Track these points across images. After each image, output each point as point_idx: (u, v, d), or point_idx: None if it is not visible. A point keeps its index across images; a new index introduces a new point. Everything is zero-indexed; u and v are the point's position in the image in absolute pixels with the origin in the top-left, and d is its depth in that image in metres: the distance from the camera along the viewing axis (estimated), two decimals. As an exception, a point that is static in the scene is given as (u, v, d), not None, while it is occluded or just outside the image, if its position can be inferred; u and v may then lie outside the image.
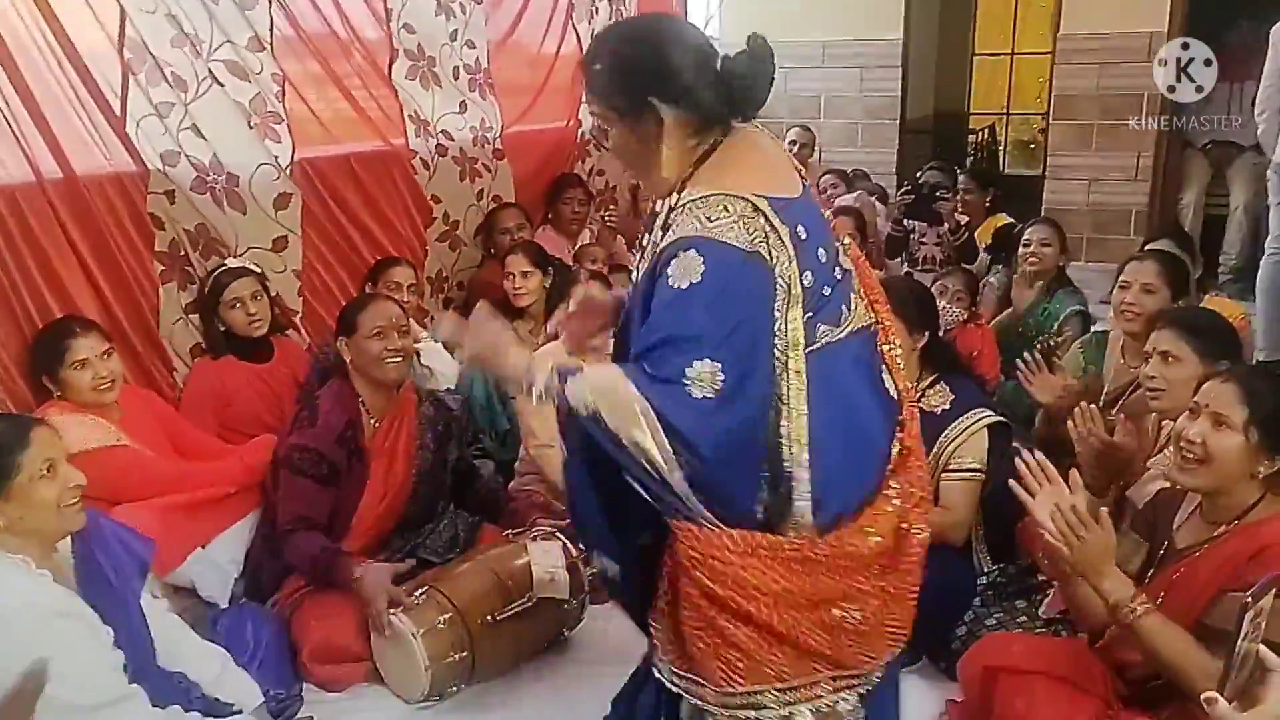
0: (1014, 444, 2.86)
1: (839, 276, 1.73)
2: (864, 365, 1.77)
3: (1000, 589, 2.62)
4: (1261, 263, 4.49)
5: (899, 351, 1.88)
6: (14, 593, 1.88)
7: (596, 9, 5.16)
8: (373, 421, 2.78)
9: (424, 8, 4.08)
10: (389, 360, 2.73)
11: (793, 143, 6.47)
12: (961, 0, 7.66)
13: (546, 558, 2.65)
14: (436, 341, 3.80)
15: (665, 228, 1.65)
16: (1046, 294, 4.05)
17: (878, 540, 1.68)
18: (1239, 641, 1.22)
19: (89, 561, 2.06)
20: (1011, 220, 5.16)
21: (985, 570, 2.71)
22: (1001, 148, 8.38)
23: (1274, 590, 1.27)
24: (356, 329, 2.74)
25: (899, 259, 4.94)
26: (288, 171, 3.44)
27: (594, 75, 1.69)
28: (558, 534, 2.74)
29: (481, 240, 4.41)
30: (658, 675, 1.78)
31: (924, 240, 4.80)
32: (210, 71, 3.24)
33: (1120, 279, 3.03)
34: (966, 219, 4.91)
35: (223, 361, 3.17)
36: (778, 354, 1.62)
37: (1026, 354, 3.08)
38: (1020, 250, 4.04)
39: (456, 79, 4.26)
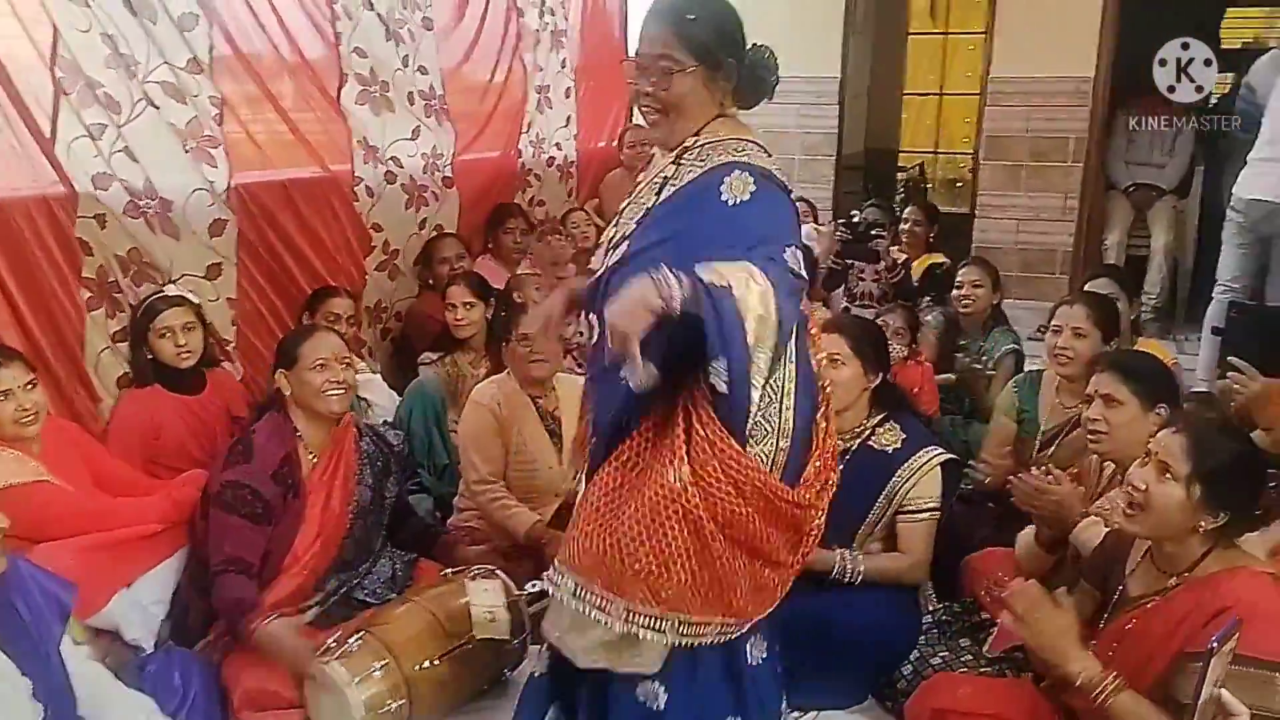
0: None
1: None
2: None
3: (945, 627, 2.63)
4: (1213, 299, 4.59)
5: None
6: (-75, 642, 1.78)
7: (539, 39, 5.16)
8: (310, 457, 2.69)
9: (374, 33, 4.04)
10: (331, 393, 2.66)
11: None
12: (892, 39, 7.84)
13: (486, 596, 2.59)
14: (375, 373, 3.75)
15: (677, 164, 1.89)
16: (982, 332, 4.12)
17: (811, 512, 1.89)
18: (1202, 687, 1.23)
19: (5, 608, 1.97)
20: (942, 259, 5.26)
21: (930, 608, 2.72)
22: (930, 185, 8.58)
23: (1235, 635, 1.28)
24: (297, 360, 2.66)
25: (838, 293, 4.98)
26: (223, 197, 3.36)
27: (685, 21, 1.84)
28: (497, 571, 2.68)
29: (419, 270, 4.35)
30: (553, 586, 1.83)
31: (862, 276, 4.85)
32: (145, 93, 3.15)
33: (1052, 323, 3.09)
34: (904, 256, 4.97)
35: (151, 392, 3.06)
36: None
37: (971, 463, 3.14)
38: (954, 292, 4.10)
39: (411, 104, 4.22)
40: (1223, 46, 6.23)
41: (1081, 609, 2.05)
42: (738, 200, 1.78)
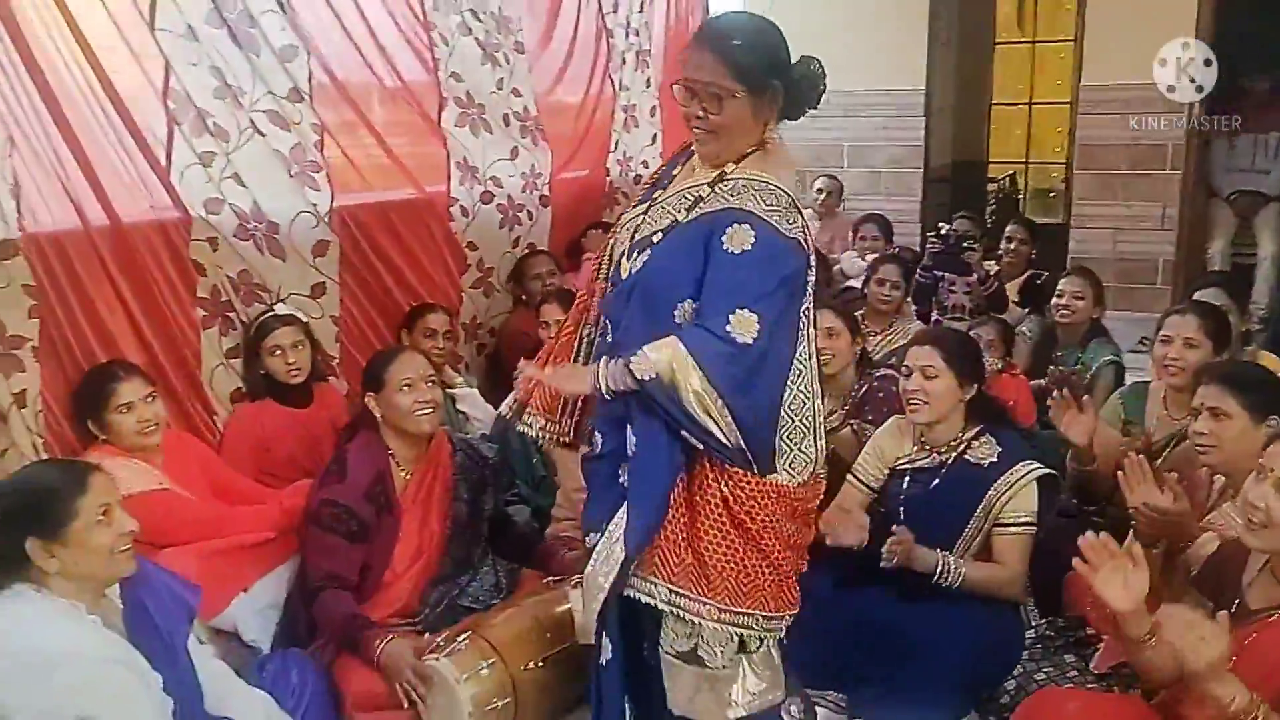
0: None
1: None
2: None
3: (1049, 642, 2.59)
4: None
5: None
6: (65, 638, 1.88)
7: (625, 59, 5.23)
8: (404, 474, 2.74)
9: (471, 56, 4.14)
10: (420, 413, 2.70)
11: (820, 190, 6.51)
12: (979, 50, 7.74)
13: (588, 604, 2.62)
14: (472, 388, 3.83)
15: (712, 188, 1.96)
16: (1080, 344, 4.04)
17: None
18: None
19: (138, 608, 2.06)
20: (1038, 270, 5.17)
21: (1034, 623, 2.68)
22: (1022, 196, 8.43)
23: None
24: (384, 384, 2.71)
25: (928, 307, 4.94)
26: (326, 219, 3.48)
27: (733, 49, 1.91)
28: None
29: (512, 287, 4.44)
30: (640, 595, 1.99)
31: (953, 289, 4.79)
32: (252, 121, 3.29)
33: (1161, 333, 3.02)
34: (997, 269, 4.90)
35: (263, 406, 3.19)
36: (803, 329, 1.98)
37: (1056, 392, 3.05)
38: (1054, 301, 4.03)
39: (507, 125, 4.32)
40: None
41: None
42: (731, 251, 1.87)
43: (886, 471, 2.86)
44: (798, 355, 1.97)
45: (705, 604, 1.96)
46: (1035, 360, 4.09)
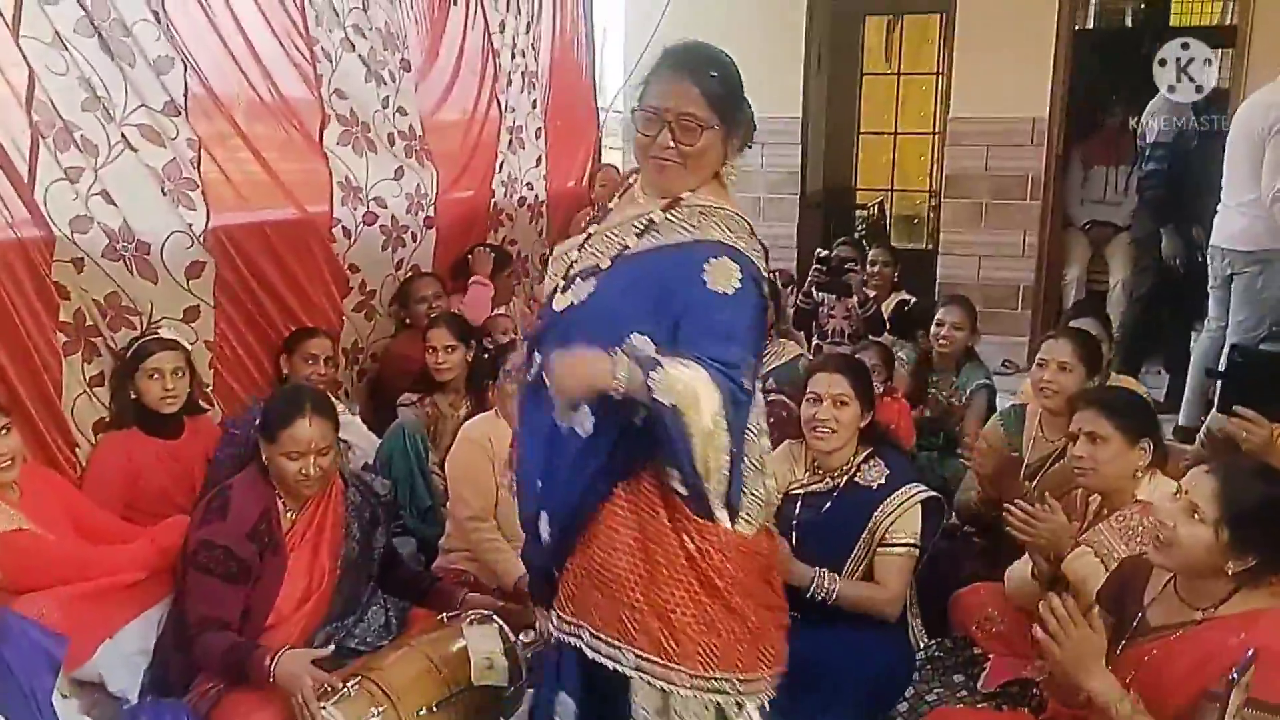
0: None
1: None
2: None
3: (938, 663, 2.65)
4: (1199, 337, 4.82)
5: None
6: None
7: (511, 80, 5.20)
8: (289, 514, 2.60)
9: (354, 73, 4.04)
10: (300, 483, 2.54)
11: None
12: (847, 80, 7.99)
13: (484, 642, 2.55)
14: (354, 415, 3.71)
15: (665, 213, 1.84)
16: (955, 369, 4.20)
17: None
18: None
19: (-3, 663, 1.91)
20: (908, 296, 5.34)
21: (922, 645, 2.74)
22: (888, 222, 8.73)
23: (1252, 668, 1.31)
24: (275, 440, 2.55)
25: (808, 332, 5.04)
26: (201, 239, 3.32)
27: (711, 82, 1.83)
28: (493, 616, 2.65)
29: (396, 310, 4.33)
30: (611, 662, 1.84)
31: (833, 314, 4.91)
32: (123, 135, 3.12)
33: (1038, 357, 3.15)
34: (874, 293, 5.04)
35: (130, 436, 3.02)
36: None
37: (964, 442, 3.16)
38: (933, 329, 4.17)
39: (392, 145, 4.22)
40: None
41: None
42: (720, 290, 1.74)
43: (780, 496, 2.89)
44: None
45: (675, 669, 1.81)
46: (913, 384, 4.21)
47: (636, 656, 1.82)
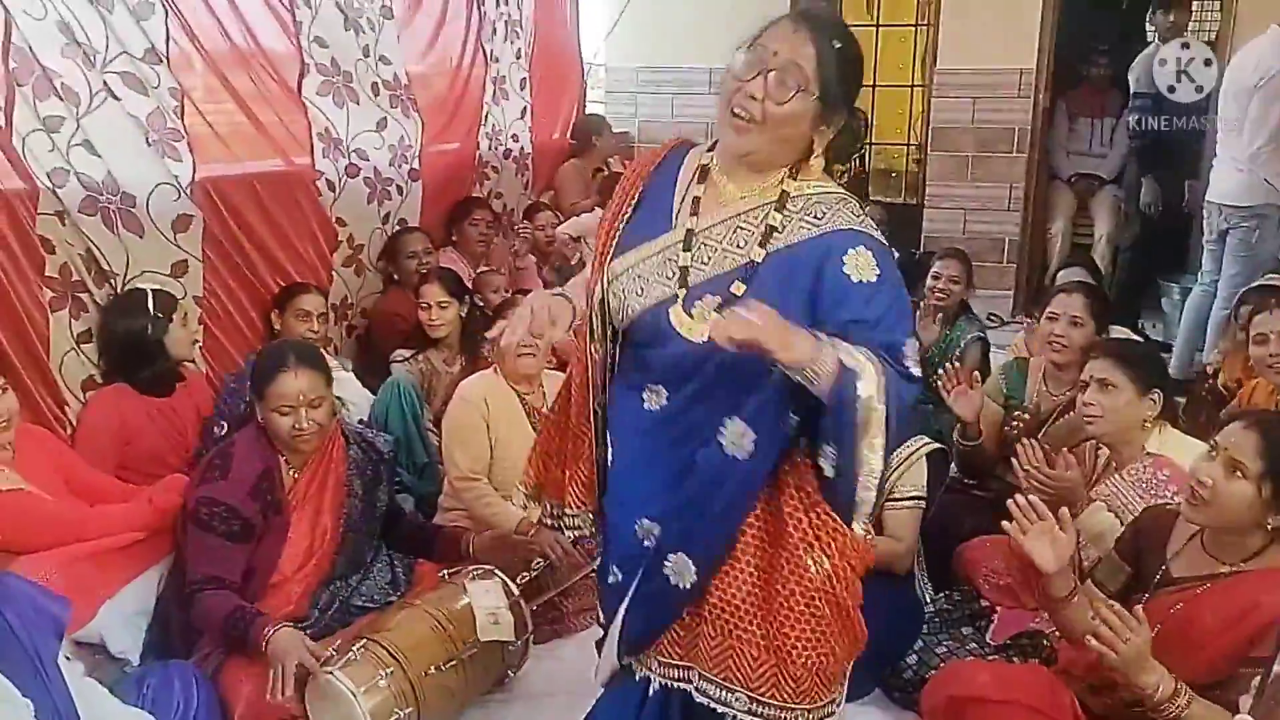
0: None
1: None
2: None
3: (946, 616, 2.66)
4: (1192, 291, 4.84)
5: None
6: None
7: (495, 29, 5.08)
8: (291, 472, 2.55)
9: (334, 21, 3.92)
10: (297, 438, 2.49)
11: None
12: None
13: (488, 598, 2.54)
14: (347, 371, 3.65)
15: (780, 211, 1.65)
16: (948, 323, 4.18)
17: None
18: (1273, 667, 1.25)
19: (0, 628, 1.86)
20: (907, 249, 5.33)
21: (930, 598, 2.75)
22: (868, 176, 8.68)
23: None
24: (263, 398, 2.49)
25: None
26: (188, 192, 3.23)
27: (828, 46, 1.62)
28: (495, 571, 2.63)
29: (384, 265, 4.25)
30: (721, 706, 1.71)
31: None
32: (105, 83, 3.02)
33: (1049, 310, 3.13)
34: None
35: (121, 394, 2.95)
36: None
37: (945, 366, 3.15)
38: (929, 282, 4.15)
39: (376, 95, 4.11)
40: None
41: (1109, 582, 2.08)
42: (863, 279, 1.59)
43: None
44: None
45: (792, 710, 1.67)
46: (908, 338, 4.20)
47: (750, 699, 1.69)
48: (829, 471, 1.60)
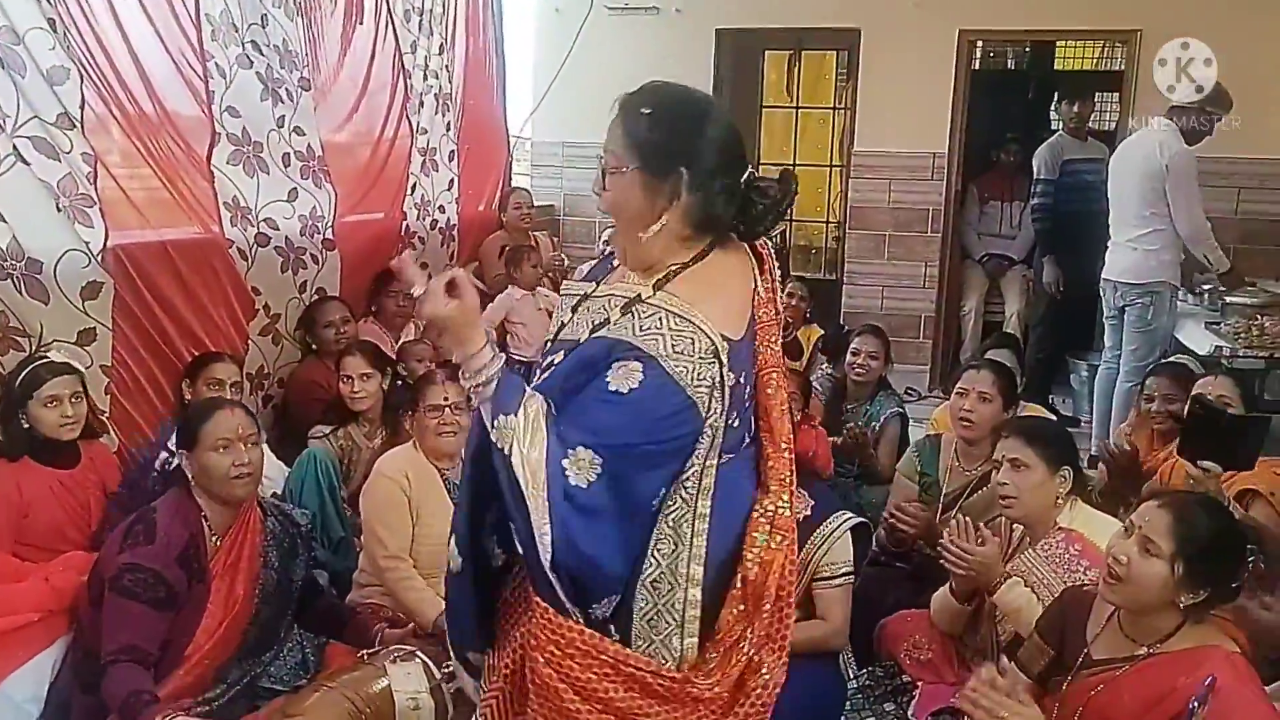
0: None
1: (749, 406, 1.73)
2: (748, 482, 1.75)
3: (869, 692, 2.65)
4: (1099, 370, 5.03)
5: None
6: None
7: (423, 101, 5.11)
8: (214, 539, 2.49)
9: (250, 91, 3.90)
10: (236, 477, 2.47)
11: (607, 243, 6.56)
12: (747, 112, 8.11)
13: (408, 681, 2.45)
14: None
15: (624, 312, 1.61)
16: (868, 398, 4.26)
17: (716, 689, 1.64)
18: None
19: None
20: (823, 330, 5.44)
21: (854, 674, 2.74)
22: (788, 252, 8.87)
23: (1210, 698, 1.33)
24: (198, 441, 2.47)
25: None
26: (99, 258, 3.14)
27: (637, 118, 1.61)
28: (417, 653, 2.55)
29: (301, 335, 4.18)
30: None
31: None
32: (15, 148, 2.94)
33: (958, 386, 3.20)
34: (790, 321, 5.09)
35: (20, 466, 2.81)
36: (685, 495, 1.63)
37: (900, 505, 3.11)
38: (849, 359, 4.22)
39: (286, 166, 4.07)
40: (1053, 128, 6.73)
41: (1031, 664, 2.10)
42: (623, 389, 1.53)
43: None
44: (670, 526, 1.62)
45: None
46: (828, 413, 4.26)
47: None
48: (517, 547, 1.58)
